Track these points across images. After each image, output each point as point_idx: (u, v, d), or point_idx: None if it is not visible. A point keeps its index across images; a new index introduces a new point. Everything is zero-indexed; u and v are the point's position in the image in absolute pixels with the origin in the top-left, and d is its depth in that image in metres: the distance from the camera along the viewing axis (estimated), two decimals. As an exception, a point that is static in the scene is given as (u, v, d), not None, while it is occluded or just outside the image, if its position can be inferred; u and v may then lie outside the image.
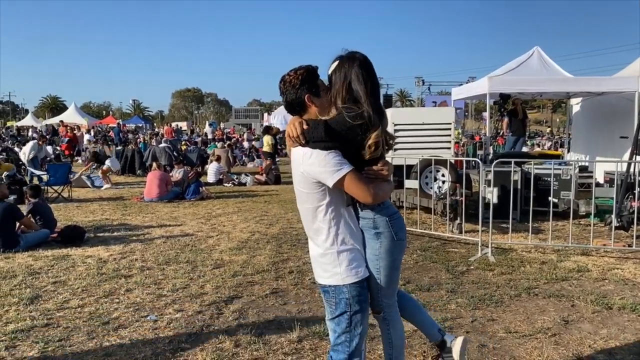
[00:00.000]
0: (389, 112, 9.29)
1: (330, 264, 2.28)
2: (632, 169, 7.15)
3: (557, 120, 70.92)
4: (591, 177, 9.31)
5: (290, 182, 9.99)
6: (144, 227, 7.87)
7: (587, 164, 10.47)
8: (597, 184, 9.18)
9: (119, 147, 17.47)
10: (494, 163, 6.98)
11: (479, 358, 3.37)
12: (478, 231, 6.20)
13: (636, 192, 7.08)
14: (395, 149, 8.15)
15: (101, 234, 7.37)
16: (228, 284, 4.99)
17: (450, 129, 8.20)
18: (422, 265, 5.66)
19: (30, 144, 14.36)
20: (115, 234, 7.41)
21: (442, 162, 7.48)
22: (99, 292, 4.74)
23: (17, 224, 6.61)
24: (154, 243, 6.76)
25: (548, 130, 52.69)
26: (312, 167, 2.17)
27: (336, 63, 2.28)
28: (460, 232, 6.82)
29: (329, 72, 2.30)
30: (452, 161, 7.75)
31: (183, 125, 54.51)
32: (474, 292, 4.69)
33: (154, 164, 11.36)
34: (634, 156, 7.06)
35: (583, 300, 4.42)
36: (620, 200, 6.88)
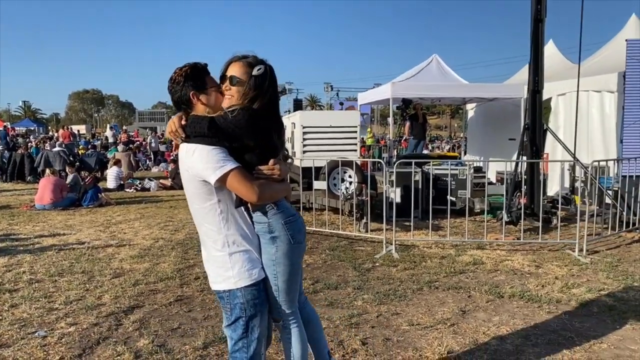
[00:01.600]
0: (297, 114, 9.36)
1: (222, 268, 2.20)
2: (519, 169, 7.79)
3: (455, 125, 75.56)
4: (484, 177, 10.02)
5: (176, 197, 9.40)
6: (34, 237, 7.23)
7: (481, 164, 11.25)
8: (490, 183, 9.90)
9: (6, 152, 15.95)
10: (396, 164, 7.26)
11: (384, 351, 3.45)
12: (383, 230, 6.40)
13: (522, 189, 7.74)
14: (304, 151, 8.22)
15: (-18, 246, 6.67)
16: (128, 293, 4.71)
17: (356, 131, 8.42)
18: (330, 264, 5.72)
19: None
20: (-1, 245, 6.75)
21: (348, 164, 7.65)
22: (-22, 310, 4.28)
23: None
24: (45, 254, 6.23)
25: (447, 134, 56.04)
26: (195, 164, 2.09)
27: (241, 63, 2.22)
28: (367, 231, 7.00)
29: (229, 71, 2.23)
30: (358, 163, 7.95)
31: (82, 128, 51.15)
32: (379, 287, 4.82)
33: (47, 170, 10.51)
34: (520, 156, 7.68)
35: (478, 291, 4.70)
36: (509, 198, 7.45)
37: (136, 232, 7.61)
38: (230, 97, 2.21)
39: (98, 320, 4.03)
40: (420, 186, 8.07)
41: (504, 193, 7.03)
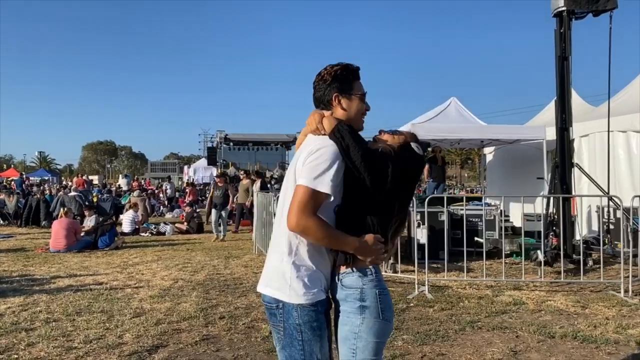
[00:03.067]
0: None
1: (281, 275, 1.94)
2: (550, 208, 7.52)
3: (465, 175, 75.50)
4: (508, 219, 9.75)
5: (211, 232, 9.29)
6: (50, 278, 6.99)
7: (502, 207, 10.97)
8: (514, 227, 9.61)
9: (22, 199, 15.91)
10: (426, 200, 7.05)
11: (436, 393, 3.13)
12: (411, 271, 6.11)
13: (554, 229, 7.44)
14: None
15: (-3, 286, 6.43)
16: (151, 332, 4.43)
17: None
18: (361, 305, 5.41)
19: None
20: (14, 285, 6.51)
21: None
22: (-7, 348, 4.01)
23: None
24: (61, 293, 5.98)
25: (455, 183, 55.77)
26: (307, 158, 1.90)
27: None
28: (395, 272, 6.70)
29: None
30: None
31: (95, 179, 51.60)
32: (417, 328, 4.50)
33: (61, 211, 10.37)
34: (551, 195, 7.43)
35: (526, 331, 4.37)
36: (544, 237, 7.16)
37: (154, 273, 7.35)
38: None
39: (121, 360, 3.75)
40: (445, 226, 7.80)
41: (536, 234, 6.75)
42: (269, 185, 15.20)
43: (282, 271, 1.95)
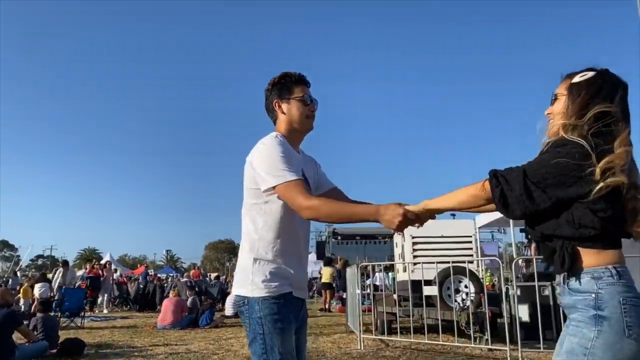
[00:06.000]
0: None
1: (243, 271, 2.02)
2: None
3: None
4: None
5: (316, 316, 9.37)
6: (149, 346, 7.42)
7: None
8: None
9: (141, 285, 17.34)
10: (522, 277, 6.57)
11: None
12: (506, 349, 5.58)
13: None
14: (415, 263, 7.82)
15: (103, 351, 6.95)
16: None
17: (471, 242, 7.90)
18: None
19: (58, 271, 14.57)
20: (116, 350, 6.99)
21: (462, 271, 7.04)
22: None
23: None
24: (155, 358, 6.30)
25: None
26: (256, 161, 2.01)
27: (565, 79, 1.79)
28: (488, 347, 6.16)
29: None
30: (473, 270, 7.31)
31: (213, 275, 54.51)
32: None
33: (172, 292, 11.12)
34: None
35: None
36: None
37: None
38: (551, 121, 1.78)
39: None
40: (551, 302, 7.09)
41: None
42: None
43: (244, 267, 2.02)
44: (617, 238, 1.65)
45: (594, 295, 1.55)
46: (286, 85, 2.14)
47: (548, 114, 1.78)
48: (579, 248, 1.62)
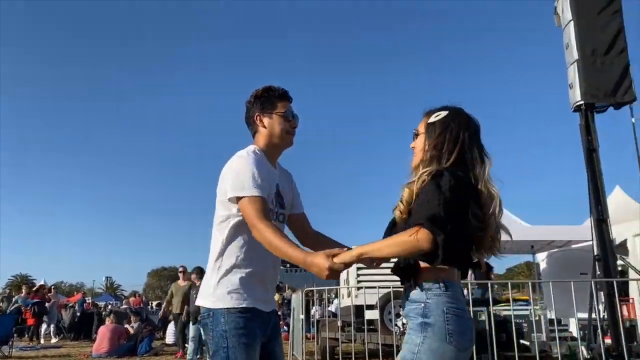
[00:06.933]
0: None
1: (208, 283, 2.01)
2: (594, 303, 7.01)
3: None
4: (567, 329, 9.12)
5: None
6: (82, 375, 7.10)
7: (560, 317, 10.20)
8: (573, 338, 8.88)
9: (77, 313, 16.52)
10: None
11: None
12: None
13: (603, 326, 6.85)
14: (358, 288, 7.94)
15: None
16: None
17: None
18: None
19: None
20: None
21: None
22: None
23: None
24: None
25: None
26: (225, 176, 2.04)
27: (425, 116, 1.98)
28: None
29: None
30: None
31: (154, 304, 52.50)
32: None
33: (108, 319, 10.70)
34: (596, 292, 6.98)
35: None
36: (589, 332, 6.63)
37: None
38: (415, 156, 1.96)
39: None
40: (487, 328, 7.37)
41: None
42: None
43: (209, 279, 2.02)
44: (454, 257, 1.79)
45: (423, 305, 1.73)
46: (269, 99, 2.15)
47: (412, 147, 1.98)
48: (420, 262, 1.79)
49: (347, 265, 1.75)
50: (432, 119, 1.90)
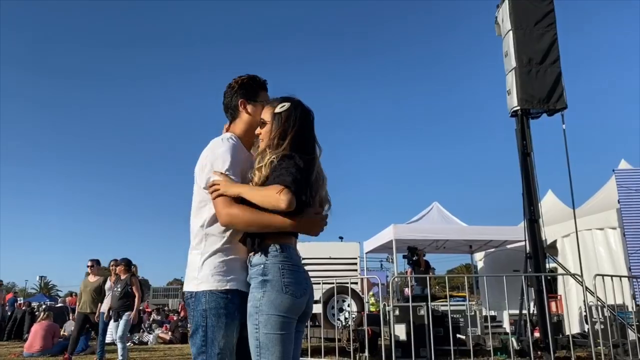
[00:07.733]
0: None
1: (191, 267, 2.05)
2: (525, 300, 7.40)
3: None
4: (501, 325, 9.55)
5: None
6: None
7: (494, 313, 10.67)
8: (505, 333, 9.32)
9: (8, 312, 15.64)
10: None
11: None
12: None
13: (533, 321, 7.25)
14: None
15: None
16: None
17: (356, 263, 8.29)
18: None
19: None
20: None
21: (345, 291, 7.36)
22: None
23: None
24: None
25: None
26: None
27: (268, 105, 2.17)
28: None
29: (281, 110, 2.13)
30: (356, 290, 7.67)
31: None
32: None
33: (43, 314, 10.24)
34: (527, 289, 7.35)
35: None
36: (518, 324, 6.99)
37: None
38: (262, 141, 2.14)
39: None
40: (426, 322, 7.62)
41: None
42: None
43: (192, 263, 2.05)
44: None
45: (262, 266, 1.94)
46: (253, 87, 2.23)
47: (258, 134, 2.17)
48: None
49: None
50: (278, 109, 2.11)
